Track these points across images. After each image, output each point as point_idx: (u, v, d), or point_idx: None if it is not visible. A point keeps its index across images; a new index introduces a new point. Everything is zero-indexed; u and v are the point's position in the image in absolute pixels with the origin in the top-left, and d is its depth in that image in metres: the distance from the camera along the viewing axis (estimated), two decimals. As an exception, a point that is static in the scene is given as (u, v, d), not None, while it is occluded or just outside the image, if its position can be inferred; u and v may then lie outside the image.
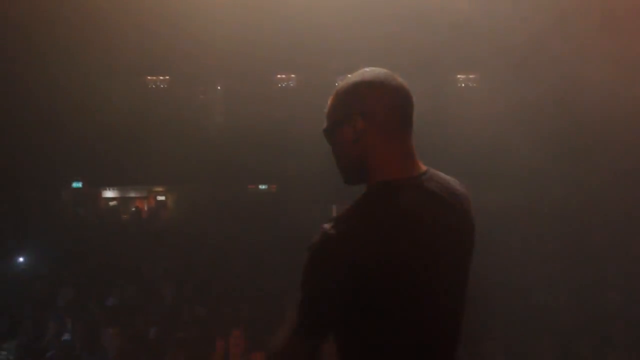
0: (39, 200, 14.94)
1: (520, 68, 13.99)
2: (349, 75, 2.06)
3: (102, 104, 15.10)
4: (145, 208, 18.14)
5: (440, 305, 1.92)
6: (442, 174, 2.06)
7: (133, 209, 17.05)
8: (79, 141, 14.85)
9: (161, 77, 18.08)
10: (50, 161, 14.64)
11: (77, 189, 16.65)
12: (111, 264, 10.37)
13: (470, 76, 18.37)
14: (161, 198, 18.78)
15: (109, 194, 18.60)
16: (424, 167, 2.01)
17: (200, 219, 15.12)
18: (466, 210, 2.02)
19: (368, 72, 2.03)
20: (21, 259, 11.70)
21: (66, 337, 6.86)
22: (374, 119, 1.96)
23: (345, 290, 1.79)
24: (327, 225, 1.83)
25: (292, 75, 18.03)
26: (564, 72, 13.58)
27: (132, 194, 19.00)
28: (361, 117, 1.97)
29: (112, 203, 18.51)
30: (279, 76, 18.14)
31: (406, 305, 1.85)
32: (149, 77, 18.01)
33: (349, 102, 2.00)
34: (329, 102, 2.06)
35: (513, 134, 13.06)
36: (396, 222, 1.85)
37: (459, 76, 18.44)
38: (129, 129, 15.67)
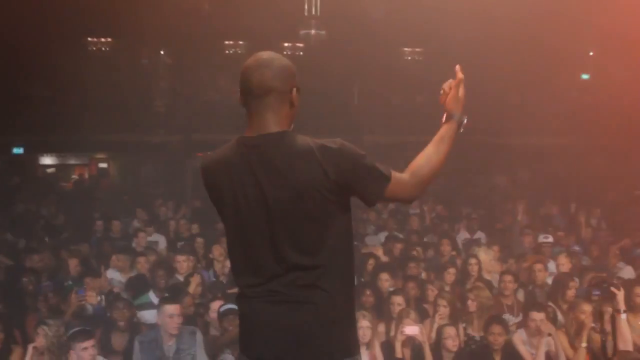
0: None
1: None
2: (266, 56, 2.47)
3: (43, 67, 14.43)
4: (87, 175, 17.60)
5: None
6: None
7: (74, 176, 16.49)
8: (20, 104, 14.17)
9: (103, 39, 17.38)
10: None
11: (18, 155, 15.88)
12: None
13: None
14: (103, 165, 18.24)
15: (47, 160, 17.89)
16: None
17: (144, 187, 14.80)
18: (300, 159, 2.32)
19: (279, 55, 2.53)
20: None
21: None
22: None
23: None
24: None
25: (240, 42, 17.69)
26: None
27: (73, 161, 18.37)
28: (296, 91, 2.50)
29: (50, 170, 17.83)
30: (226, 42, 17.75)
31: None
32: (89, 39, 17.28)
33: (290, 78, 2.48)
34: (266, 74, 2.42)
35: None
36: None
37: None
38: (70, 92, 15.08)
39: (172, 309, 5.24)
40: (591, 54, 16.68)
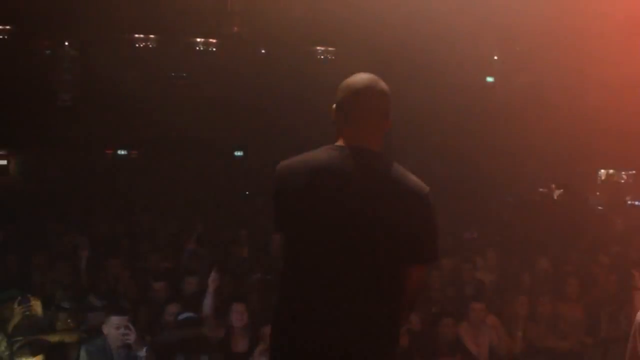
0: None
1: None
2: (375, 79, 2.52)
3: None
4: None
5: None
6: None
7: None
8: None
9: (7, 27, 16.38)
10: None
11: None
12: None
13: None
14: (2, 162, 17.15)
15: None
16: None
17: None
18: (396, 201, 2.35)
19: None
20: None
21: None
22: None
23: None
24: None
25: (152, 36, 17.21)
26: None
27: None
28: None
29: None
30: (136, 36, 17.22)
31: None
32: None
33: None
34: (384, 101, 2.51)
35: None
36: None
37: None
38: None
39: (117, 320, 4.99)
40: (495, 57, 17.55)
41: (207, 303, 5.84)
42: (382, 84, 2.49)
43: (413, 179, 2.42)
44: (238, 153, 17.63)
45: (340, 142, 2.44)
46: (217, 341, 5.65)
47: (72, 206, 11.16)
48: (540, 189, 15.47)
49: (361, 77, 2.50)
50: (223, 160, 16.70)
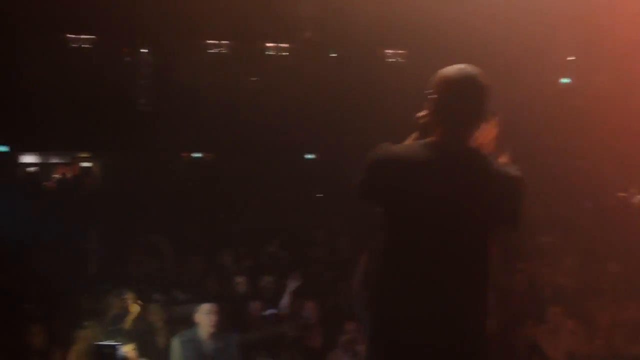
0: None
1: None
2: (471, 69, 2.46)
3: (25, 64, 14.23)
4: (69, 175, 17.31)
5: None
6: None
7: (58, 175, 16.21)
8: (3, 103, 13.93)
9: (84, 36, 17.17)
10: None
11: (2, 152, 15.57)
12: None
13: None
14: (86, 164, 17.97)
15: (29, 159, 17.54)
16: None
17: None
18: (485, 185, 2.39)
19: None
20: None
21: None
22: None
23: None
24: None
25: (225, 42, 17.66)
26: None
27: (55, 160, 18.06)
28: None
29: (31, 169, 17.50)
30: (209, 42, 17.70)
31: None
32: (69, 36, 17.07)
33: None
34: (479, 93, 2.45)
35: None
36: None
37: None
38: (53, 91, 14.87)
39: (208, 307, 5.27)
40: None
41: (285, 301, 6.04)
42: (479, 75, 2.44)
43: (509, 167, 2.46)
44: (309, 156, 17.84)
45: (432, 137, 2.43)
46: (294, 338, 5.83)
47: (153, 206, 11.62)
48: (620, 194, 14.94)
49: (457, 67, 2.45)
50: (295, 162, 16.97)
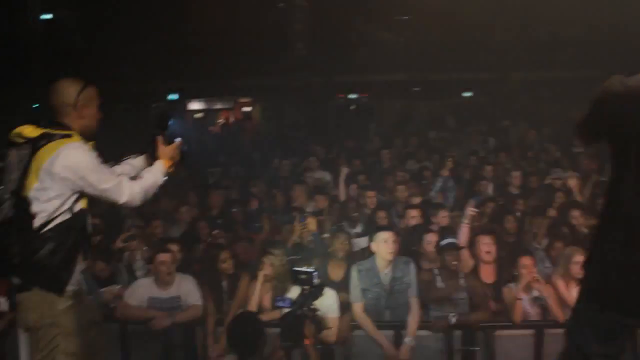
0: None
1: None
2: None
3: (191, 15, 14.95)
4: (231, 120, 18.21)
5: None
6: None
7: (221, 120, 17.09)
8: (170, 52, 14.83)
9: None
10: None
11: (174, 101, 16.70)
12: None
13: None
14: (247, 109, 18.78)
15: (195, 105, 18.63)
16: None
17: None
18: None
19: None
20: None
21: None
22: None
23: None
24: None
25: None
26: None
27: (219, 106, 19.04)
28: None
29: (198, 115, 18.62)
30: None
31: None
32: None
33: None
34: None
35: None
36: None
37: None
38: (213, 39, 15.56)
39: (386, 235, 5.34)
40: None
41: (463, 233, 6.00)
42: None
43: None
44: (467, 94, 17.32)
45: None
46: (469, 271, 5.79)
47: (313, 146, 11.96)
48: None
49: None
50: (452, 100, 16.61)
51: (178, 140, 3.62)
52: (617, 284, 2.31)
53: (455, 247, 5.36)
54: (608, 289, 2.34)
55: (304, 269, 4.21)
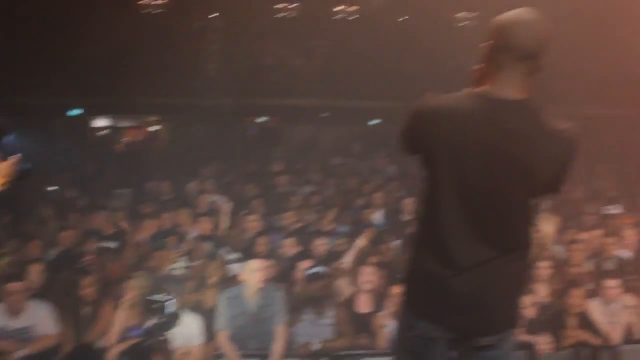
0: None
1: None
2: (538, 18, 2.29)
3: (95, 29, 14.61)
4: (139, 139, 17.81)
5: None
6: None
7: (125, 139, 16.70)
8: (73, 66, 14.39)
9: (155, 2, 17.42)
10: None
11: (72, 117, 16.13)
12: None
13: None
14: (154, 128, 18.42)
15: (99, 123, 18.10)
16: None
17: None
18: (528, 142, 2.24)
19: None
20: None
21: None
22: None
23: None
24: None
25: (292, 6, 17.53)
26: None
27: (125, 124, 18.57)
28: None
29: (102, 133, 18.11)
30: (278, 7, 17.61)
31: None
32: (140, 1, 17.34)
33: (547, 46, 2.32)
34: (537, 38, 2.27)
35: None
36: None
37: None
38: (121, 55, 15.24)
39: (256, 264, 5.34)
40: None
41: (348, 260, 6.05)
42: (539, 19, 2.25)
43: (559, 125, 2.29)
44: (374, 122, 17.63)
45: (482, 88, 2.30)
46: (344, 300, 5.84)
47: (212, 168, 11.83)
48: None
49: (514, 11, 2.29)
50: (359, 127, 16.88)
51: (15, 156, 3.46)
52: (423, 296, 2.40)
53: (320, 276, 5.40)
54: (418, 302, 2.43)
55: (158, 297, 4.13)
